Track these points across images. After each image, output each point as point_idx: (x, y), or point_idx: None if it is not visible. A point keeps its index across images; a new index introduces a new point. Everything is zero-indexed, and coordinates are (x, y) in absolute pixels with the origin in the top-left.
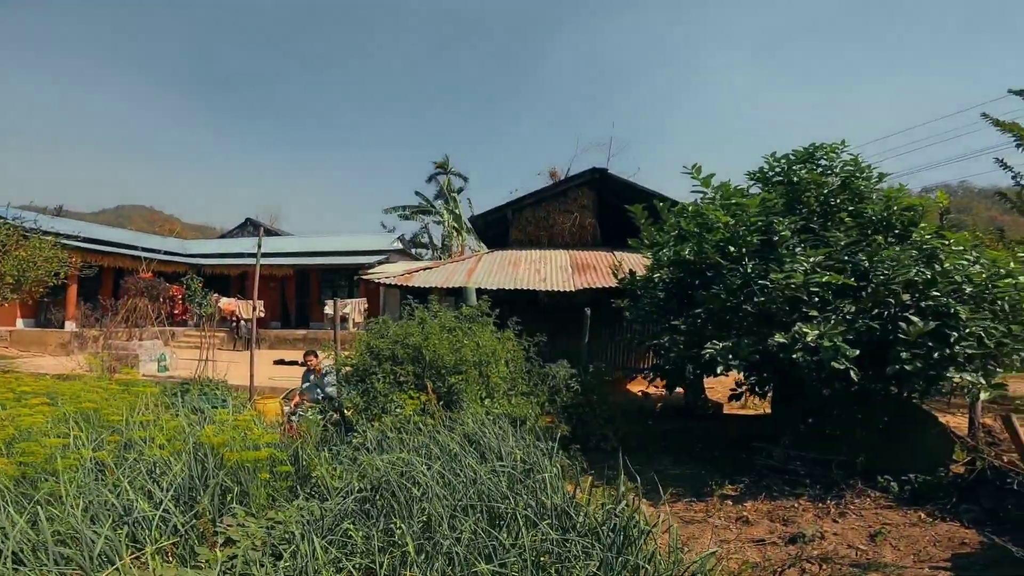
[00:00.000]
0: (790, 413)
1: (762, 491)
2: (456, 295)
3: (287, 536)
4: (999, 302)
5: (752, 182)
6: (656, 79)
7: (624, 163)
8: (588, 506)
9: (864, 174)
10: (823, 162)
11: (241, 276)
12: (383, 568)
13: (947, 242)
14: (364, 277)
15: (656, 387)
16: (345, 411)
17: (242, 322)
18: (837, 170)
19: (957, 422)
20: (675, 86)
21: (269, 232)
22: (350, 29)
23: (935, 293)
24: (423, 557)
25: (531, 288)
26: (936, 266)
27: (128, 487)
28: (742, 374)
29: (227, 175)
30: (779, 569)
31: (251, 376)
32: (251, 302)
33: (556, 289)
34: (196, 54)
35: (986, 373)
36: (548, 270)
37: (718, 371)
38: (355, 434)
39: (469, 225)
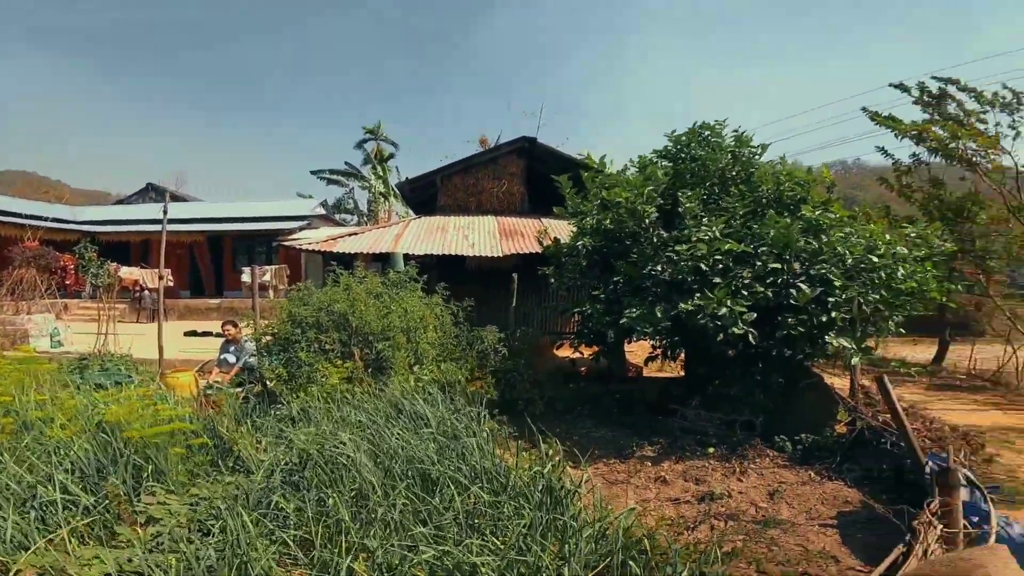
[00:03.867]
0: (700, 376)
1: (677, 451)
2: (383, 261)
3: (214, 511)
4: (876, 272)
5: (659, 159)
6: (590, 53)
7: (555, 133)
8: (517, 469)
9: (749, 147)
10: (712, 139)
11: (144, 244)
12: (319, 537)
13: (833, 216)
14: (285, 243)
15: (581, 352)
16: (267, 382)
17: (146, 292)
18: (724, 146)
19: (842, 384)
20: (609, 61)
21: (175, 198)
22: None
23: (821, 262)
24: (359, 525)
25: (459, 254)
26: (823, 237)
27: (27, 471)
28: (656, 339)
29: (124, 139)
30: (692, 525)
31: (160, 348)
32: (156, 271)
33: (484, 255)
34: (88, 11)
35: (857, 339)
36: (476, 236)
37: (634, 337)
38: (279, 406)
39: (397, 191)
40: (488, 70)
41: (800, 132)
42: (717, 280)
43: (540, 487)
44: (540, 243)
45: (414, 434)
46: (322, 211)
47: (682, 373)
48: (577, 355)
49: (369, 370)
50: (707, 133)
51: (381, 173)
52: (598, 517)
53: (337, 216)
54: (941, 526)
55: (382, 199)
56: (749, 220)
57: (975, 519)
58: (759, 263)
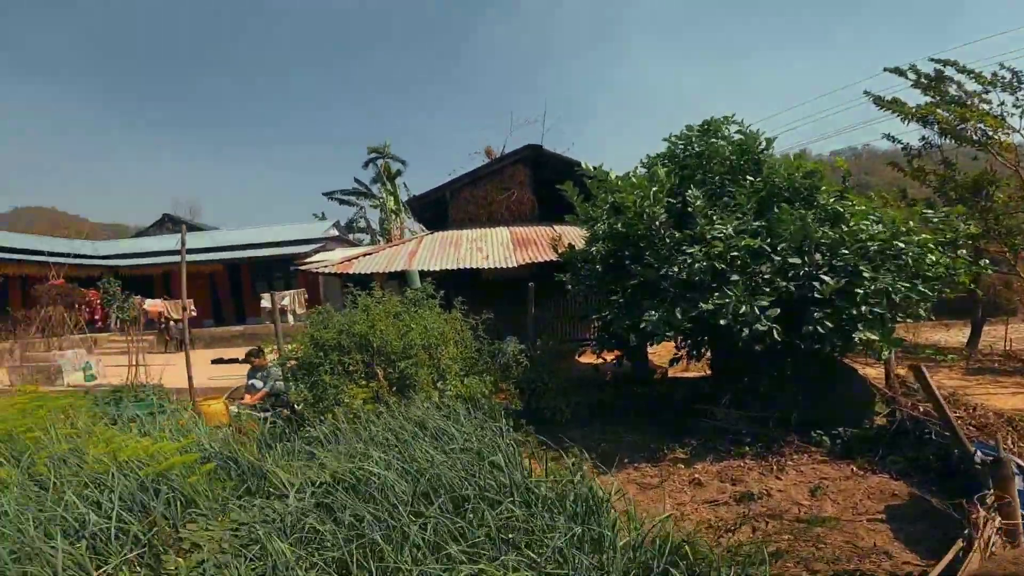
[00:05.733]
0: (727, 374)
1: (710, 452)
2: (399, 279)
3: (253, 537)
4: (903, 258)
5: (662, 160)
6: (584, 58)
7: (558, 139)
8: (547, 480)
9: (755, 140)
10: (718, 134)
11: (165, 275)
12: (354, 561)
13: (850, 203)
14: (301, 267)
15: (604, 357)
16: (295, 406)
17: (172, 323)
18: (730, 140)
19: (876, 373)
20: (603, 65)
21: (191, 227)
22: (268, 21)
23: (844, 252)
24: (392, 546)
25: (474, 267)
26: (842, 226)
27: (76, 500)
28: (679, 340)
29: (137, 171)
30: (732, 528)
31: (189, 378)
32: (179, 302)
33: (499, 266)
34: (95, 45)
35: (886, 331)
36: (489, 247)
37: (655, 339)
38: (307, 428)
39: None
40: (488, 81)
41: (797, 123)
42: (735, 277)
43: (571, 497)
44: (555, 250)
45: (441, 451)
46: (335, 232)
47: (707, 372)
48: (600, 360)
49: (394, 388)
50: (714, 128)
51: (392, 190)
52: (633, 525)
53: (351, 236)
54: (999, 518)
55: (394, 216)
56: (759, 214)
57: None
58: (778, 258)
